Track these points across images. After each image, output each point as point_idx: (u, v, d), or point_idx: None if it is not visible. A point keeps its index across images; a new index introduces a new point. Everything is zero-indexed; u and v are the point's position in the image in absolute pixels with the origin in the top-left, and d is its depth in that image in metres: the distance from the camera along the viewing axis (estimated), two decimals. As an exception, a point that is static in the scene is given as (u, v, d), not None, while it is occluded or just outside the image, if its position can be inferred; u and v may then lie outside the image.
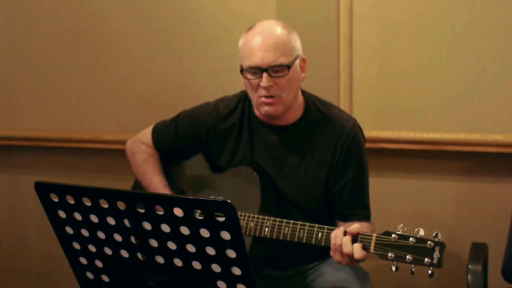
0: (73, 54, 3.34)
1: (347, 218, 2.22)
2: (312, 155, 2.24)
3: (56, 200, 1.82)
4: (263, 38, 2.14)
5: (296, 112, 2.26)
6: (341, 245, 1.93)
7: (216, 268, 1.73)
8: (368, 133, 2.81)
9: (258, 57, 2.12)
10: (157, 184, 2.40)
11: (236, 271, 1.71)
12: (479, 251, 2.52)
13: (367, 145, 2.74)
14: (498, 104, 2.70)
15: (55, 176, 3.49)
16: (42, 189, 1.83)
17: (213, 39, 3.06)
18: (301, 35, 2.89)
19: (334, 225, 2.23)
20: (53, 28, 3.35)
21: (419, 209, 2.89)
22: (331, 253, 1.98)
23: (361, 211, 2.24)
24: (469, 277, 2.36)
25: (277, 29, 2.17)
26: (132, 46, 3.23)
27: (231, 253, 1.69)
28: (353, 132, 2.25)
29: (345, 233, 1.95)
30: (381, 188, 2.84)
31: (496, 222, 2.76)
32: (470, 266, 2.39)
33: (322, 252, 2.19)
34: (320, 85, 2.85)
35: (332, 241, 1.96)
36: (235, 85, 2.54)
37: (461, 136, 2.74)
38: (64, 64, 3.37)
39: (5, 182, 3.65)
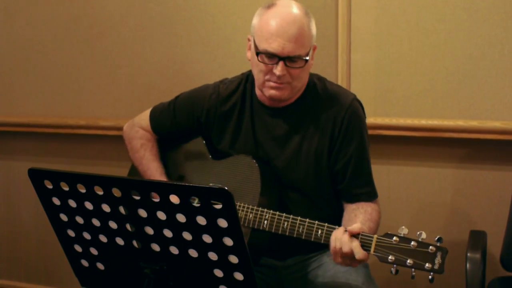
0: (68, 39, 3.32)
1: (353, 198, 2.19)
2: (313, 133, 2.21)
3: (50, 187, 1.80)
4: (287, 25, 2.06)
5: (298, 94, 2.23)
6: (341, 248, 1.90)
7: (212, 256, 1.72)
8: (366, 119, 2.79)
9: (279, 45, 2.06)
10: (154, 171, 2.38)
11: (233, 259, 1.70)
12: (477, 239, 2.51)
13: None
14: (497, 91, 2.68)
15: (50, 162, 3.48)
16: (36, 175, 1.81)
17: (209, 23, 3.04)
18: (299, 20, 2.88)
19: (340, 207, 2.22)
20: (48, 12, 3.33)
21: (417, 196, 2.88)
22: (332, 256, 1.95)
23: (366, 189, 2.20)
24: (467, 265, 2.35)
25: (301, 16, 2.09)
26: (128, 31, 3.20)
27: (228, 241, 1.67)
28: (353, 107, 2.22)
29: (345, 230, 1.92)
30: (379, 175, 2.81)
31: (495, 210, 2.75)
32: (468, 254, 2.38)
33: (322, 243, 2.17)
34: (318, 71, 2.81)
35: (332, 244, 1.93)
36: (232, 70, 2.52)
37: (460, 123, 2.72)
38: (59, 49, 3.34)
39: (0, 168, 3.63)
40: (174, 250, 1.76)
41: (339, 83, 2.82)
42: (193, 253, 1.74)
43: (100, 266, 1.93)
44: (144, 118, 2.47)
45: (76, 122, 3.35)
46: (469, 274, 2.33)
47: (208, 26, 3.04)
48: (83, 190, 1.76)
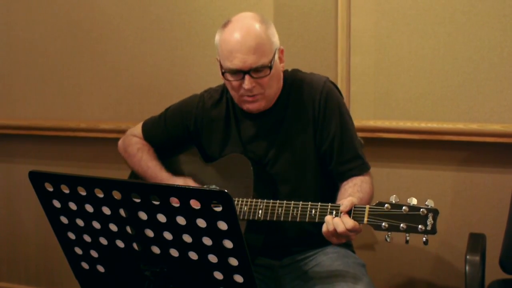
0: (69, 42, 3.32)
1: (344, 176, 2.22)
2: (296, 124, 2.25)
3: (50, 189, 1.81)
4: (243, 38, 2.10)
5: (276, 96, 2.27)
6: (335, 229, 1.93)
7: (212, 258, 1.72)
8: (366, 122, 2.80)
9: (239, 60, 2.11)
10: (154, 168, 2.41)
11: (233, 261, 1.70)
12: (477, 242, 2.51)
13: (365, 134, 2.74)
14: (497, 94, 2.68)
15: (50, 165, 3.48)
16: (37, 178, 1.81)
17: (209, 26, 3.04)
18: (299, 24, 2.89)
19: (336, 188, 2.23)
20: (49, 16, 3.33)
21: (416, 199, 2.87)
22: (327, 237, 1.97)
23: (356, 163, 2.23)
24: (466, 268, 2.35)
25: (256, 26, 2.13)
26: (128, 34, 3.21)
27: (228, 244, 1.68)
28: (327, 88, 2.25)
29: (335, 215, 1.95)
30: (379, 177, 2.82)
31: (494, 212, 2.75)
32: (468, 257, 2.38)
33: (318, 241, 2.18)
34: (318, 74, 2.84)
35: (324, 228, 1.96)
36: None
37: (459, 126, 2.72)
38: (60, 53, 3.35)
39: (0, 171, 3.63)
40: (174, 252, 1.76)
41: (339, 85, 2.81)
42: (193, 255, 1.74)
43: (100, 268, 1.93)
44: (137, 129, 2.53)
45: (76, 125, 3.35)
46: (469, 277, 2.33)
47: (209, 29, 3.05)
48: (84, 193, 1.76)
